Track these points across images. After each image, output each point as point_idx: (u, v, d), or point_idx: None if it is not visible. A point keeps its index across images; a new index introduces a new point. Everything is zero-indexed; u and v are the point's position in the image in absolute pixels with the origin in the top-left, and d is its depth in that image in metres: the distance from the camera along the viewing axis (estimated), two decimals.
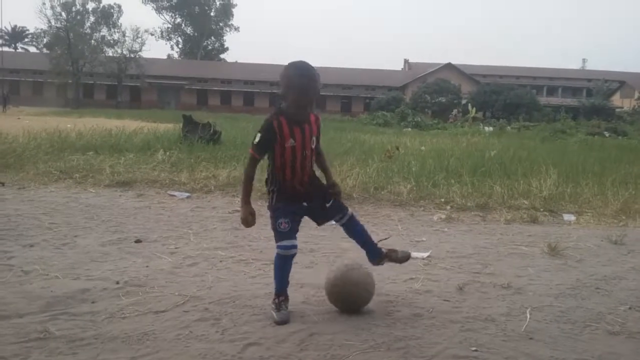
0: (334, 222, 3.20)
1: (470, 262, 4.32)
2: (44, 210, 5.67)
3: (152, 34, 78.93)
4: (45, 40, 62.31)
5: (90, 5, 59.46)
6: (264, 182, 3.09)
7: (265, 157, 3.01)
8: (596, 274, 4.10)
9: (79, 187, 7.14)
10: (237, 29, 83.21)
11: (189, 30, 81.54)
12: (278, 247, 2.95)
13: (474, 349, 2.69)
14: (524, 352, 2.68)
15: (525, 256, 4.59)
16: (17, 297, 3.16)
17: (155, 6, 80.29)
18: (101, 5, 60.15)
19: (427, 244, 4.89)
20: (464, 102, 51.35)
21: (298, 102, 2.84)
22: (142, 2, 78.37)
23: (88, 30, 59.51)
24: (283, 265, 3.00)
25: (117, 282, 3.49)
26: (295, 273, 3.75)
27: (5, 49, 76.24)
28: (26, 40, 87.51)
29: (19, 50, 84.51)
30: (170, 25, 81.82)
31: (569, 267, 4.29)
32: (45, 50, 61.32)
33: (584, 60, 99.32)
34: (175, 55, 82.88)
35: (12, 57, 64.42)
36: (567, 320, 3.12)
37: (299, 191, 3.00)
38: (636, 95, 58.76)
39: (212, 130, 11.61)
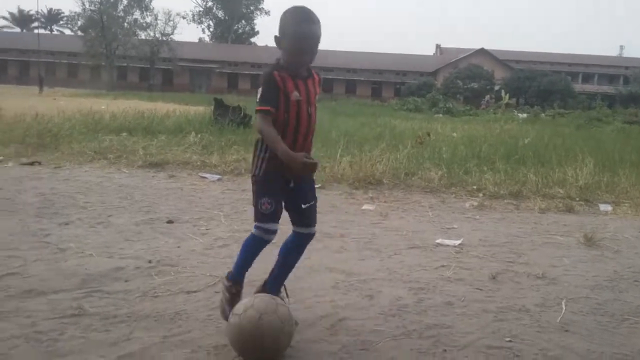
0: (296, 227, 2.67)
1: (503, 251, 4.24)
2: (79, 189, 5.76)
3: (183, 17, 78.89)
4: (79, 23, 63.08)
5: None
6: (254, 145, 2.58)
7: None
8: (634, 266, 3.99)
9: (113, 167, 7.25)
10: (267, 12, 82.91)
11: (220, 13, 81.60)
12: (256, 227, 2.52)
13: (507, 339, 2.64)
14: (559, 344, 2.62)
15: (561, 246, 4.49)
16: (52, 274, 3.22)
17: None
18: None
19: (458, 232, 4.82)
20: (496, 88, 50.52)
21: (296, 53, 2.44)
22: None
23: (121, 13, 60.07)
24: (254, 249, 2.58)
25: (150, 262, 3.53)
26: (324, 258, 3.76)
27: (42, 31, 77.78)
28: (61, 22, 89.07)
29: (55, 32, 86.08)
30: (201, 9, 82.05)
31: (605, 258, 4.18)
32: (79, 33, 62.19)
33: (621, 47, 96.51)
34: (207, 39, 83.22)
35: (48, 39, 65.64)
36: (604, 313, 3.04)
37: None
38: None
39: (242, 114, 11.66)
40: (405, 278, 3.49)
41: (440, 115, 30.93)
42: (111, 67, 57.63)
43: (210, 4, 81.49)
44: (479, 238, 4.62)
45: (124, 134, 9.90)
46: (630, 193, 6.76)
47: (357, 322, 2.75)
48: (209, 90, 55.58)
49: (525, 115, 31.71)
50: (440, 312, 2.94)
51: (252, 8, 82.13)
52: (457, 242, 4.41)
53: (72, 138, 9.02)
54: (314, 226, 2.68)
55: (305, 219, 2.63)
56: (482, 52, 60.92)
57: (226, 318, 2.47)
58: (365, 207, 5.65)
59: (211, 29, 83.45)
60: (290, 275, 2.77)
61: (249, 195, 2.68)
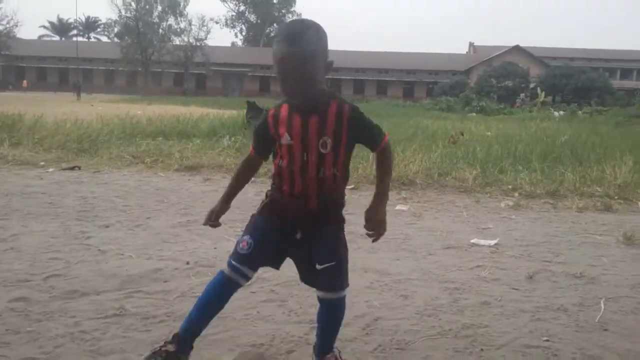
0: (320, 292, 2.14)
1: (540, 251, 4.18)
2: (118, 193, 5.91)
3: (216, 22, 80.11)
4: (116, 30, 64.83)
5: None
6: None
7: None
8: None
9: (150, 171, 7.41)
10: (299, 15, 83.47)
11: (252, 17, 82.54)
12: (228, 261, 2.19)
13: (545, 339, 2.61)
14: (598, 343, 2.58)
15: (599, 245, 4.40)
16: (94, 275, 3.32)
17: None
18: None
19: (493, 232, 4.77)
20: (532, 85, 49.57)
21: (278, 79, 1.94)
22: None
23: (156, 20, 61.32)
24: (213, 288, 2.17)
25: (188, 263, 3.60)
26: (359, 258, 3.76)
27: (80, 39, 79.83)
28: (98, 30, 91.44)
29: (92, 40, 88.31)
30: (234, 13, 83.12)
31: None
32: (116, 40, 63.79)
33: None
34: (239, 43, 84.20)
35: (85, 46, 67.40)
36: None
37: (294, 210, 2.13)
38: None
39: None
40: (440, 278, 3.48)
41: (474, 114, 30.58)
42: (146, 72, 58.87)
43: (242, 8, 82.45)
44: (514, 238, 4.56)
45: (160, 138, 10.10)
46: None
47: (392, 322, 2.76)
48: (242, 94, 56.24)
49: (561, 113, 31.06)
50: (477, 312, 2.93)
51: (283, 11, 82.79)
52: (493, 242, 4.36)
53: (110, 143, 9.26)
54: (342, 290, 2.13)
55: (323, 283, 2.12)
56: (516, 49, 59.97)
57: None
58: (398, 207, 5.64)
59: (243, 33, 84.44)
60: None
61: None
